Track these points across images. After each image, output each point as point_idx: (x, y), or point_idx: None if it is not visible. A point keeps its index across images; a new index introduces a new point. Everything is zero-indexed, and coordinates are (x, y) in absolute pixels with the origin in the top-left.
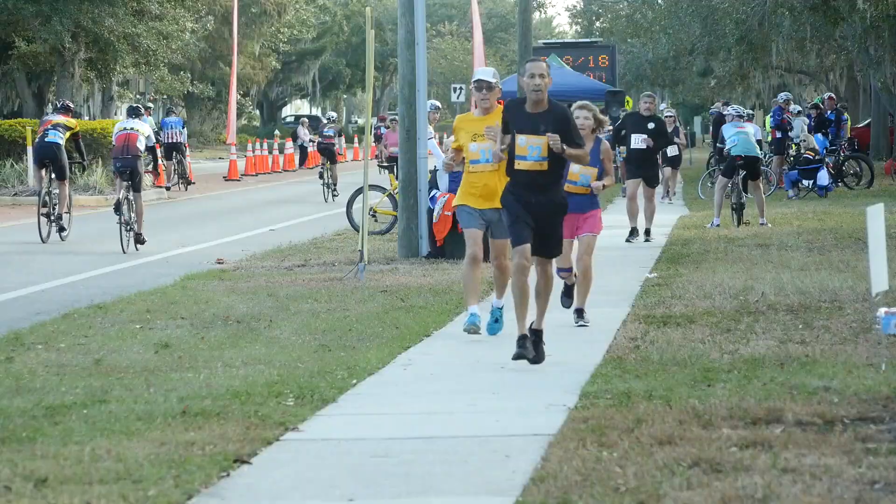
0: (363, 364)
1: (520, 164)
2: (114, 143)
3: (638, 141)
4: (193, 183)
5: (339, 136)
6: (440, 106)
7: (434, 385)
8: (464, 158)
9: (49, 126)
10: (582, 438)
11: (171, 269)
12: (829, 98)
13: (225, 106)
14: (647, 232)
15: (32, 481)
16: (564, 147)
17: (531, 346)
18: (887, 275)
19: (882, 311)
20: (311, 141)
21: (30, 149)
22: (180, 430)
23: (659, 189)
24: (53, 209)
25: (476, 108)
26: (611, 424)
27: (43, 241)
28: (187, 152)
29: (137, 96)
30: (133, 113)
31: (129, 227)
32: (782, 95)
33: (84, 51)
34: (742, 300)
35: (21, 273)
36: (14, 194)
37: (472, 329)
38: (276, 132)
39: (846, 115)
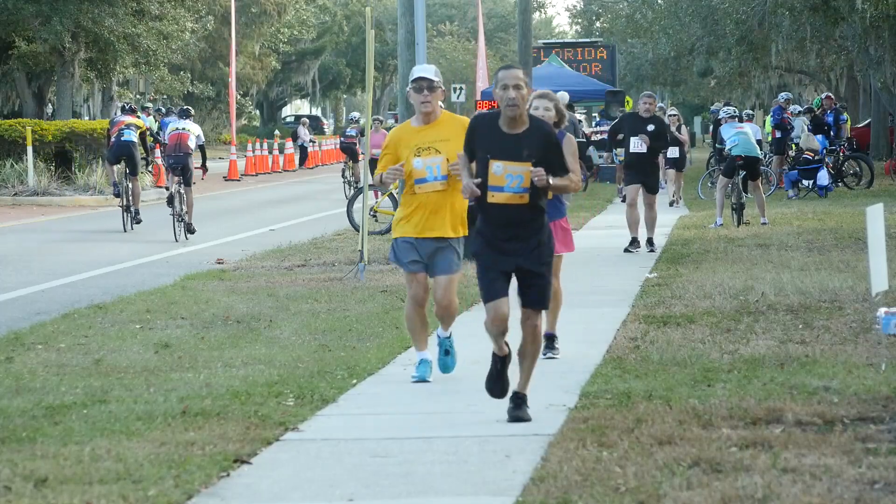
0: (363, 364)
1: (494, 197)
2: (166, 142)
3: (637, 144)
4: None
5: (362, 135)
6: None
7: (434, 385)
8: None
9: (123, 126)
10: (582, 438)
11: (171, 269)
12: (828, 98)
13: (225, 106)
14: (650, 241)
15: (32, 481)
16: (550, 181)
17: (527, 409)
18: (887, 275)
19: (882, 311)
20: (311, 141)
21: (30, 148)
22: (180, 430)
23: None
24: (129, 201)
25: (414, 117)
26: (611, 424)
27: (125, 231)
28: None
29: (137, 96)
30: (184, 114)
31: (180, 219)
32: (782, 95)
33: (84, 51)
34: (742, 300)
35: (21, 273)
36: (14, 194)
37: (422, 379)
38: (276, 132)
39: (845, 115)
